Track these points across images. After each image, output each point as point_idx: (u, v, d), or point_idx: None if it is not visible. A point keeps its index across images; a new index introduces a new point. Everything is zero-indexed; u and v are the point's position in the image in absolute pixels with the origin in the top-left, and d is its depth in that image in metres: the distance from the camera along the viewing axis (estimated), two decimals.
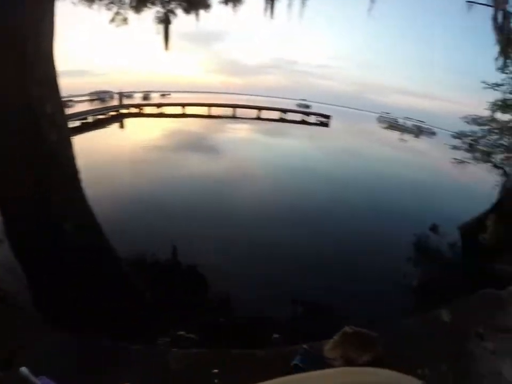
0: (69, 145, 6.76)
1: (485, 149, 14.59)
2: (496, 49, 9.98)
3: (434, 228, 11.04)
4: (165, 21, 10.36)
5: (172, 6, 10.17)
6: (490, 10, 9.49)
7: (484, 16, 9.76)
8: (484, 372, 3.33)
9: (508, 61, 10.76)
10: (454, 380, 3.14)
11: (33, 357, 2.89)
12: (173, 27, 10.51)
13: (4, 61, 5.51)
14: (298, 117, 47.78)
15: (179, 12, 10.30)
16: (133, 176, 12.70)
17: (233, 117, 40.92)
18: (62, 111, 6.93)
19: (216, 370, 2.86)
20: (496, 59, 10.34)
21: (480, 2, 9.50)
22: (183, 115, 37.80)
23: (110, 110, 30.94)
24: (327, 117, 47.31)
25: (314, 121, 47.05)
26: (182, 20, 10.50)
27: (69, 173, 6.62)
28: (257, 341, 4.12)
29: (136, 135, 23.23)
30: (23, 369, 1.71)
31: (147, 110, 37.23)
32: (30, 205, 5.81)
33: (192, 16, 10.41)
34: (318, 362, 2.95)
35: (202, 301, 6.07)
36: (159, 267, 6.90)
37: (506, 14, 9.58)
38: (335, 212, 11.79)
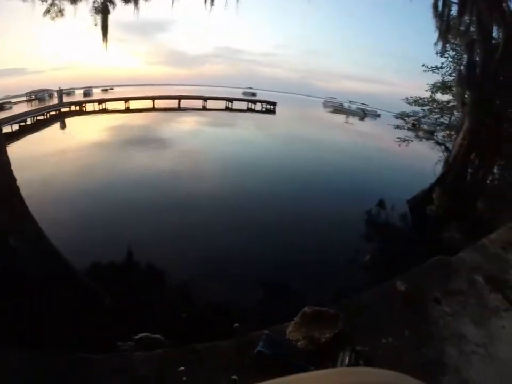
0: (2, 152, 6.26)
1: (426, 127, 15.40)
2: (435, 35, 10.66)
3: (381, 204, 11.48)
4: (103, 11, 9.74)
5: None
6: None
7: (426, 4, 10.34)
8: (446, 335, 3.51)
9: (447, 45, 11.44)
10: (418, 344, 3.28)
11: None
12: (112, 18, 9.92)
13: None
14: (244, 105, 47.81)
15: (118, 1, 9.76)
16: (79, 177, 12.09)
17: (179, 109, 40.08)
18: None
19: (182, 368, 2.79)
20: (436, 44, 10.95)
21: None
22: (127, 110, 36.46)
23: (50, 110, 29.14)
24: (273, 104, 47.79)
25: (261, 109, 47.34)
26: (121, 10, 9.95)
27: (5, 181, 6.13)
28: (220, 332, 4.06)
29: (79, 134, 22.00)
30: None
31: (89, 107, 35.32)
32: None
33: (131, 6, 9.93)
34: (281, 345, 2.96)
35: (162, 298, 5.93)
36: (115, 269, 6.62)
37: (446, 2, 10.12)
38: (284, 196, 11.89)
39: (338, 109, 63.47)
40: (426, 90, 13.67)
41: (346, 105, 66.48)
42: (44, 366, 2.92)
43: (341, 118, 51.27)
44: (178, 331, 4.61)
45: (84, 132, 23.29)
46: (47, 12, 9.10)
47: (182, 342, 3.24)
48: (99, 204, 9.85)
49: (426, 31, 12.83)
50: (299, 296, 5.80)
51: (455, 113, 13.13)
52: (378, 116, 63.22)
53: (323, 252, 8.13)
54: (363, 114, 58.73)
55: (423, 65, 13.17)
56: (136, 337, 4.12)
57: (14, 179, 6.30)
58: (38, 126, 24.12)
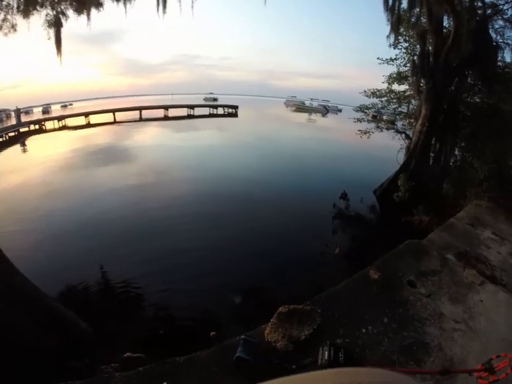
0: None
1: (386, 118, 15.73)
2: (387, 28, 10.92)
3: (343, 196, 11.69)
4: (56, 24, 9.37)
5: (62, 6, 9.25)
6: None
7: None
8: (424, 316, 3.53)
9: (399, 37, 11.83)
10: (398, 329, 3.31)
11: None
12: (65, 31, 9.55)
13: None
14: (206, 111, 47.89)
15: (70, 13, 9.42)
16: (46, 202, 11.40)
17: (140, 120, 39.43)
18: None
19: (165, 383, 2.71)
20: (388, 37, 11.26)
21: None
22: (88, 125, 35.32)
23: (9, 131, 27.48)
24: (235, 107, 48.44)
25: (223, 113, 47.78)
26: (73, 22, 9.61)
27: None
28: (199, 342, 3.97)
29: (41, 155, 20.69)
30: None
31: (49, 124, 33.54)
32: None
33: (83, 17, 9.60)
34: (259, 349, 2.88)
35: (140, 316, 5.75)
36: (90, 293, 6.34)
37: None
38: (253, 197, 11.83)
39: (300, 107, 64.40)
40: (383, 82, 14.03)
41: (307, 103, 67.59)
42: None
43: (303, 115, 52.08)
44: (158, 347, 4.50)
45: (46, 151, 22.02)
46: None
47: (162, 357, 3.15)
48: (70, 228, 9.29)
49: (380, 24, 13.17)
50: (275, 297, 5.73)
51: (413, 101, 13.51)
52: (340, 110, 64.74)
53: (295, 250, 8.10)
54: (325, 110, 59.91)
55: (378, 58, 13.53)
56: (119, 358, 4.00)
57: None
58: None
